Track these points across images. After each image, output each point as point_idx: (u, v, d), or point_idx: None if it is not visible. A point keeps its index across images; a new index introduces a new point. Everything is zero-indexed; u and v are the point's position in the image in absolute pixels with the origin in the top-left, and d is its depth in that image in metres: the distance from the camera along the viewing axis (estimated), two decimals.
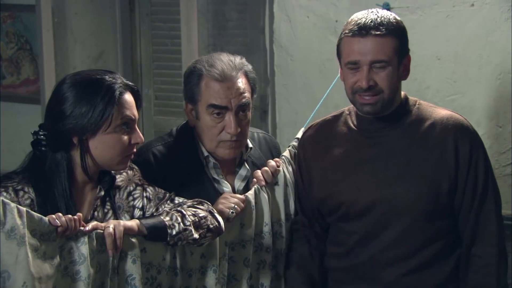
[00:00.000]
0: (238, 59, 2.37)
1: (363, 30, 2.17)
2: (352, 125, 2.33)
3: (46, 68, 4.18)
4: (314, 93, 3.52)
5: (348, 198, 2.27)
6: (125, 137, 2.05)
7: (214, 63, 2.34)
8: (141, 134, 2.09)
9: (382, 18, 2.19)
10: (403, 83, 2.30)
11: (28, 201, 1.96)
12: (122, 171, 2.15)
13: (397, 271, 2.24)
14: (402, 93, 2.31)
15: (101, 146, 2.03)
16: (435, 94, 3.28)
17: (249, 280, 2.31)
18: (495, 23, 3.16)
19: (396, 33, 2.20)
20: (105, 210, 2.10)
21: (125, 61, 4.37)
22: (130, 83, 2.09)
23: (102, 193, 2.10)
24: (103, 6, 4.32)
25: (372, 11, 2.22)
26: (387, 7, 3.08)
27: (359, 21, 2.19)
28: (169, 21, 4.25)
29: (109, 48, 4.36)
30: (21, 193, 1.97)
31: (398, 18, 2.24)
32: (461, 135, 2.22)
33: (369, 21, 2.18)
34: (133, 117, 2.06)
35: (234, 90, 2.31)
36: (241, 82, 2.33)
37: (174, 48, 4.24)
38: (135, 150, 2.12)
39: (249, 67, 2.39)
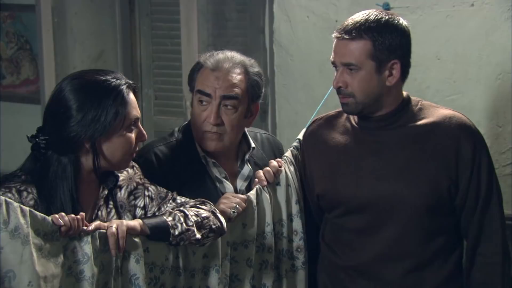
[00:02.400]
0: (242, 57, 2.37)
1: (340, 32, 2.19)
2: (353, 121, 2.33)
3: (46, 68, 4.18)
4: (314, 93, 3.51)
5: (347, 194, 2.27)
6: (133, 136, 2.06)
7: (214, 55, 2.37)
8: (144, 132, 2.10)
9: (361, 21, 2.18)
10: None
11: (32, 202, 1.95)
12: (123, 170, 2.14)
13: (398, 269, 2.25)
14: (404, 93, 2.30)
15: (112, 147, 2.02)
16: (435, 94, 3.28)
17: (251, 280, 2.31)
18: (495, 23, 3.16)
19: (371, 37, 2.16)
20: (108, 209, 2.10)
21: (125, 61, 4.36)
22: (130, 81, 2.08)
23: (106, 192, 2.10)
24: (103, 6, 4.32)
25: (364, 13, 2.21)
26: (387, 7, 3.07)
27: (344, 23, 2.20)
28: (169, 21, 4.24)
29: (109, 48, 4.35)
30: (24, 193, 1.96)
31: (393, 22, 2.19)
32: (463, 135, 2.22)
33: (350, 24, 2.19)
34: (138, 115, 2.07)
35: (222, 80, 2.31)
36: (234, 77, 2.32)
37: (174, 48, 4.23)
38: (137, 148, 2.13)
39: (254, 69, 2.37)
